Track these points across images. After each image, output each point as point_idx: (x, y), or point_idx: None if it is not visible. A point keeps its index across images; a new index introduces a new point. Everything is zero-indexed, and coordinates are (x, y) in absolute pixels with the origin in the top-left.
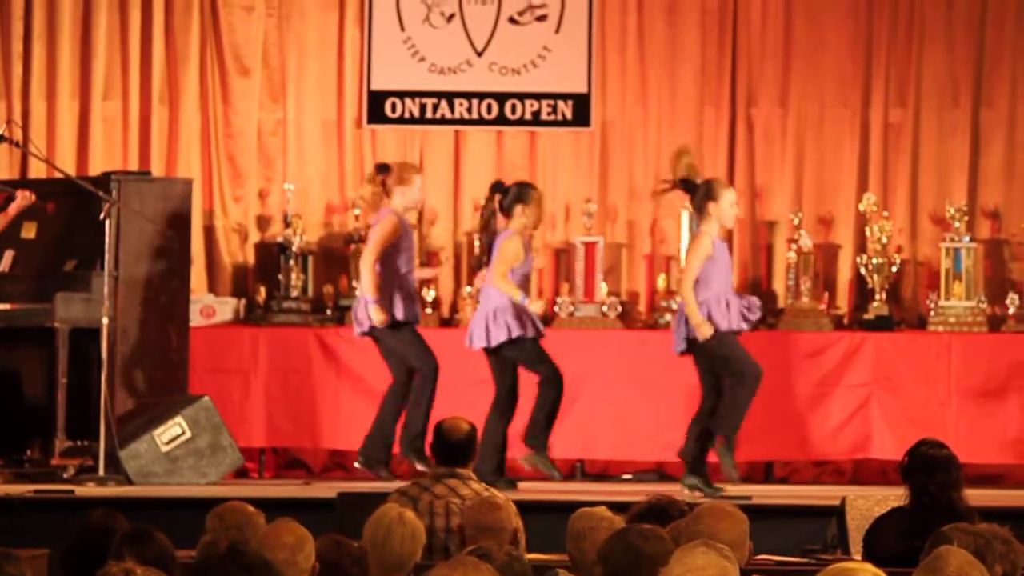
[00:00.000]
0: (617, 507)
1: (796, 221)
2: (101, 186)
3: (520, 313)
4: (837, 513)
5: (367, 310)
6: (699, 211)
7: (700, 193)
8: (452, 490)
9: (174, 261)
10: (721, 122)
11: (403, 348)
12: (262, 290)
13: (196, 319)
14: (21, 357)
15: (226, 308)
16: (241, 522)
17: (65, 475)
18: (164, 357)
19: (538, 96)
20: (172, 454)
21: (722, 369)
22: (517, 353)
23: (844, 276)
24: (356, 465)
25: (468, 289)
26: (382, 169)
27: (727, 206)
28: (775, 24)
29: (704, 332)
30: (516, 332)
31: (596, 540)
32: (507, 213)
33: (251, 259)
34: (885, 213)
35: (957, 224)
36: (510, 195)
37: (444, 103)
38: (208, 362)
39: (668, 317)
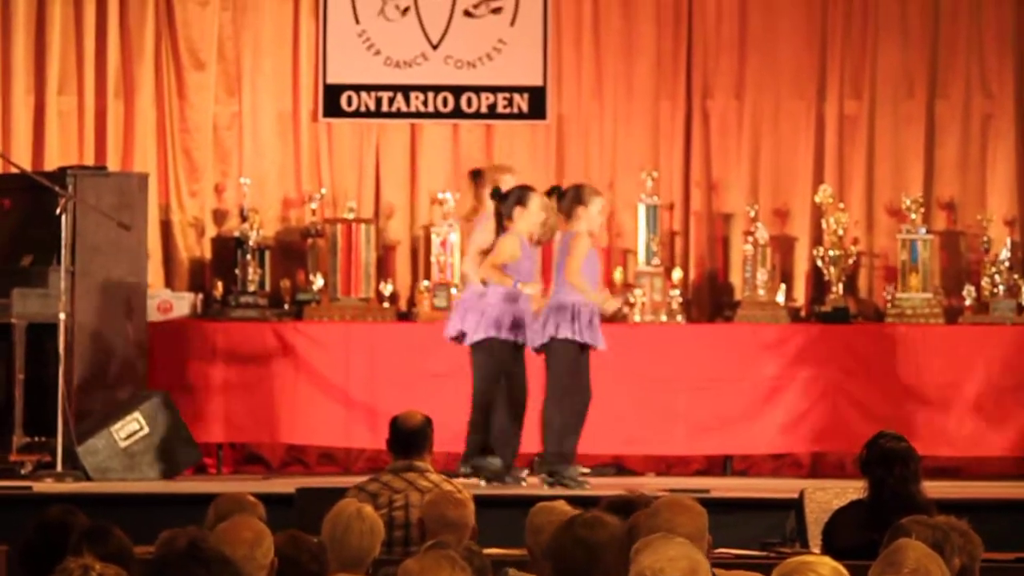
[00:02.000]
0: (576, 501)
1: (752, 213)
2: (57, 181)
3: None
4: (796, 506)
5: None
6: (568, 215)
7: (569, 197)
8: (411, 483)
9: (130, 256)
10: (677, 115)
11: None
12: (219, 285)
13: (153, 314)
14: None
15: (183, 303)
16: (239, 512)
17: (23, 471)
18: (121, 352)
19: (494, 89)
20: (130, 450)
21: (566, 377)
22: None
23: (801, 268)
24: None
25: (425, 283)
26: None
27: (596, 212)
28: (730, 16)
29: (612, 304)
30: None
31: None
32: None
33: (208, 254)
34: (841, 205)
35: (913, 216)
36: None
37: (400, 96)
38: (166, 357)
39: (625, 310)
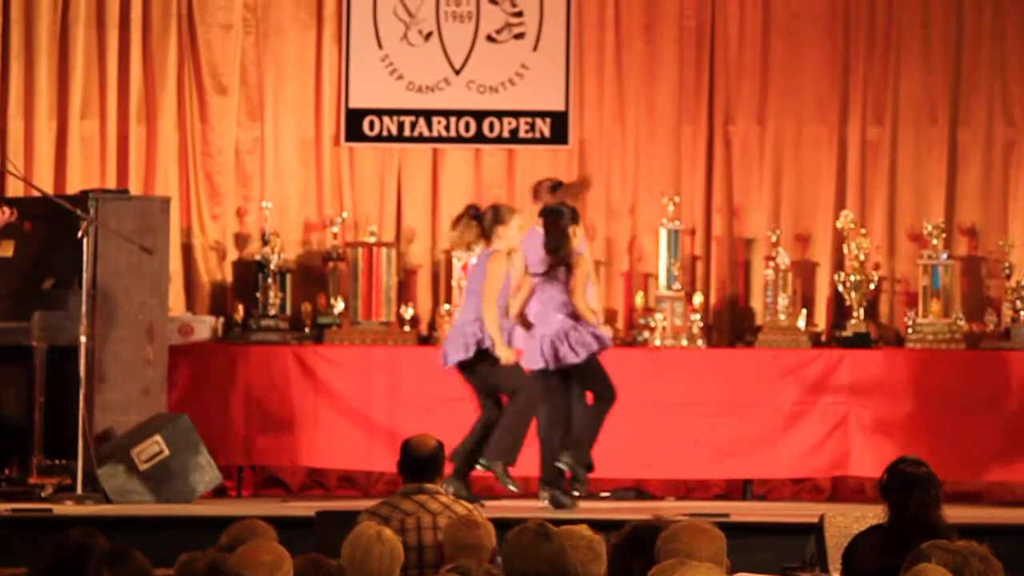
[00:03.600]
0: (597, 525)
1: (774, 238)
2: (79, 204)
3: None
4: (816, 531)
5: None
6: (489, 236)
7: (489, 218)
8: (421, 505)
9: (152, 279)
10: (699, 140)
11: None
12: (240, 308)
13: (174, 337)
14: None
15: (204, 326)
16: (252, 538)
17: (43, 494)
18: (142, 375)
19: (516, 114)
20: (150, 472)
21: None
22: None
23: (822, 293)
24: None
25: (446, 307)
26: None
27: (515, 229)
28: (752, 42)
29: (507, 356)
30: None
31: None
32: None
33: (229, 277)
34: (863, 230)
35: (935, 241)
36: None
37: (422, 121)
38: (186, 380)
39: (646, 335)
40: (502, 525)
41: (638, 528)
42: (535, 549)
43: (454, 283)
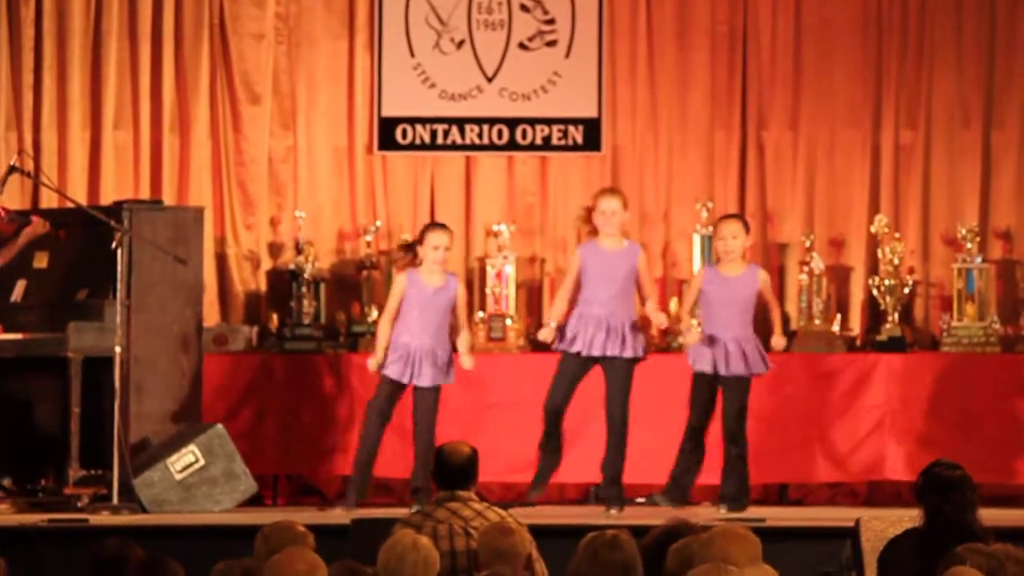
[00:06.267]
0: (631, 530)
1: (808, 243)
2: (113, 215)
3: None
4: (851, 535)
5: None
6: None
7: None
8: (454, 513)
9: (186, 289)
10: (732, 145)
11: None
12: (275, 317)
13: (209, 347)
14: (34, 387)
15: (239, 336)
16: (289, 543)
17: (79, 504)
18: (177, 385)
19: (549, 121)
20: (186, 482)
21: None
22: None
23: (856, 298)
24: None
25: (480, 315)
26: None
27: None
28: (785, 47)
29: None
30: None
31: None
32: None
33: (263, 286)
34: (897, 234)
35: (969, 245)
36: None
37: (455, 129)
38: (221, 390)
39: (681, 340)
40: (540, 532)
41: (665, 532)
42: (603, 558)
43: (488, 291)
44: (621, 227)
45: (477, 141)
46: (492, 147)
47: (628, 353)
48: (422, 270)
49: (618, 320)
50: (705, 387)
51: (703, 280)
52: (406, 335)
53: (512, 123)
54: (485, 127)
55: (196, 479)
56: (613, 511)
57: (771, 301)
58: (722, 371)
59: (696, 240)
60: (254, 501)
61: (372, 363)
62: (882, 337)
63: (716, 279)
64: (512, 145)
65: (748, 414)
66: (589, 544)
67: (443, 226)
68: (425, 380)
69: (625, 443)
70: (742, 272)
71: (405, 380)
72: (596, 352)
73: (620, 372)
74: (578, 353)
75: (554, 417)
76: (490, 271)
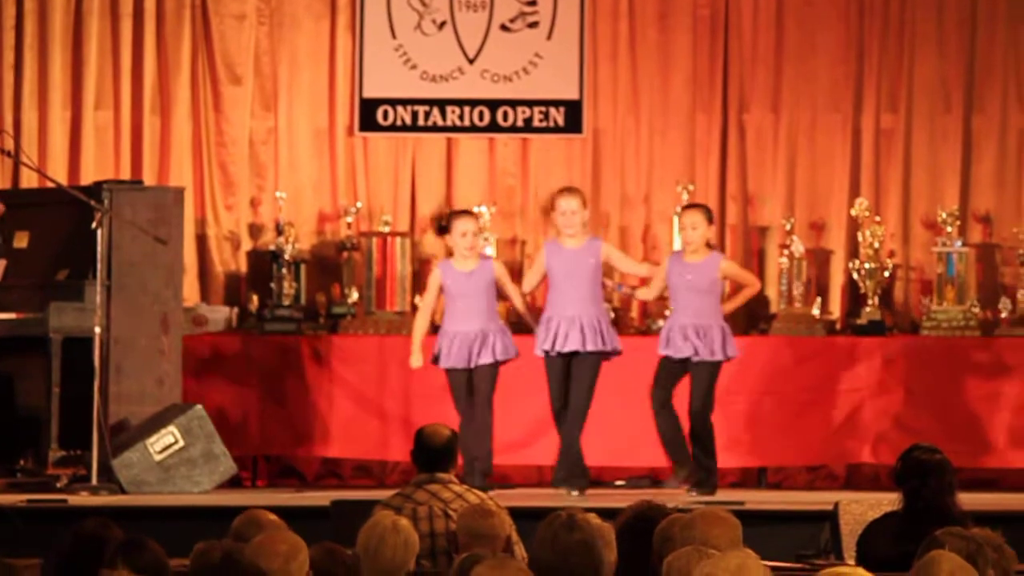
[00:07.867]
0: (611, 513)
1: (788, 226)
2: (93, 195)
3: None
4: (830, 518)
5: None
6: None
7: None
8: (433, 495)
9: (166, 270)
10: (713, 128)
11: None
12: (254, 299)
13: (189, 328)
14: (14, 367)
15: (219, 317)
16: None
17: (58, 484)
18: (157, 366)
19: (530, 103)
20: (165, 463)
21: None
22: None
23: (836, 281)
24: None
25: None
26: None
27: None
28: (766, 30)
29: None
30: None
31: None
32: None
33: (243, 267)
34: (877, 218)
35: (949, 229)
36: None
37: (436, 110)
38: (201, 371)
39: (661, 323)
40: (520, 515)
41: (635, 515)
42: (563, 539)
43: None
44: (582, 225)
45: (458, 123)
46: (473, 129)
47: (597, 347)
48: (455, 258)
49: (590, 317)
50: (672, 368)
51: (667, 269)
52: (454, 324)
53: (493, 105)
54: (466, 109)
55: (175, 460)
56: (575, 493)
57: (742, 278)
58: (689, 355)
59: (676, 223)
60: (233, 482)
61: (414, 361)
62: (862, 320)
63: (679, 267)
64: (493, 127)
65: (727, 398)
66: (547, 527)
67: (468, 212)
68: (485, 357)
69: (582, 429)
70: (703, 260)
71: (462, 366)
72: (568, 348)
73: (588, 367)
74: (558, 354)
75: (561, 419)
76: None
